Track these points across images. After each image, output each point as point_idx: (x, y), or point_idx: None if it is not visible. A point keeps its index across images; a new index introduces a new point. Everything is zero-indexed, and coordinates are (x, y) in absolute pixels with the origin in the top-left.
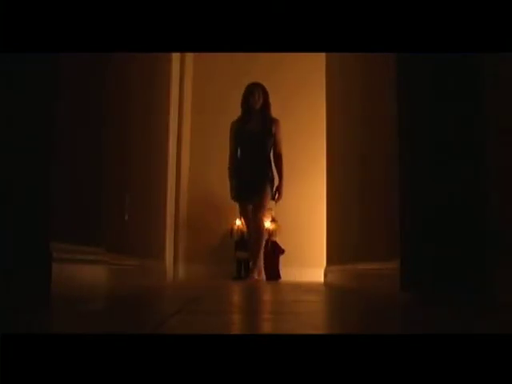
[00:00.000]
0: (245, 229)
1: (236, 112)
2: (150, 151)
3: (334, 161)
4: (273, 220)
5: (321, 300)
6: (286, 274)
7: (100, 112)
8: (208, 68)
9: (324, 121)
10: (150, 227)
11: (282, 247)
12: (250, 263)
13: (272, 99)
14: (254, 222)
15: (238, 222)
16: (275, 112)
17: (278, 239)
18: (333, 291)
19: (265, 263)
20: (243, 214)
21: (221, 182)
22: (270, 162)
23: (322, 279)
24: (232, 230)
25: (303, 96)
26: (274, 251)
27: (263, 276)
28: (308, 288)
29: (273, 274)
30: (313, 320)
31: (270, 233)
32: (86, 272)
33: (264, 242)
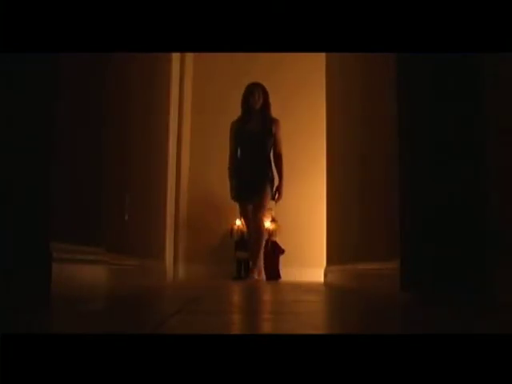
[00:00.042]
0: (245, 229)
1: (236, 112)
2: (150, 151)
3: (334, 161)
4: (273, 220)
5: (321, 300)
6: (286, 274)
7: (100, 112)
8: (208, 68)
9: (324, 121)
10: (149, 227)
11: (282, 247)
12: (250, 263)
13: (272, 99)
14: (253, 222)
15: (238, 222)
16: (275, 112)
17: (278, 239)
18: (333, 291)
19: (265, 263)
20: (243, 214)
21: (221, 182)
22: (270, 162)
23: (322, 279)
24: (232, 229)
25: (303, 96)
26: (274, 251)
27: (263, 276)
28: (308, 288)
29: (273, 273)
30: (313, 320)
31: (270, 233)
32: (86, 272)
33: (264, 242)
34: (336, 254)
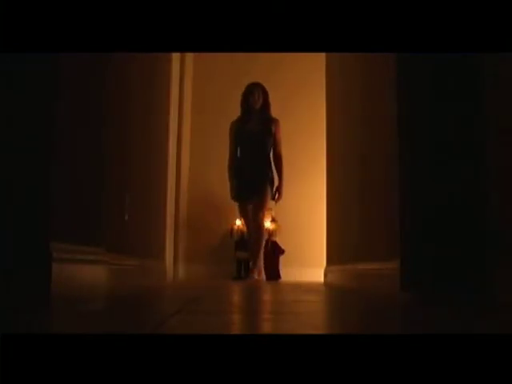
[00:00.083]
0: (245, 229)
1: (236, 112)
2: (150, 151)
3: (334, 161)
4: (273, 220)
5: (321, 300)
6: (286, 274)
7: (100, 112)
8: (208, 68)
9: (324, 121)
10: (149, 227)
11: (282, 247)
12: (250, 263)
13: (272, 99)
14: (253, 222)
15: (238, 222)
16: (275, 112)
17: (278, 239)
18: (333, 291)
19: (265, 263)
20: (243, 214)
21: (221, 182)
22: (270, 162)
23: (322, 279)
24: (232, 229)
25: (303, 96)
26: (274, 251)
27: (263, 276)
28: (308, 288)
29: (273, 274)
30: (313, 320)
31: (270, 233)
32: (86, 272)
33: (264, 242)
34: (336, 253)
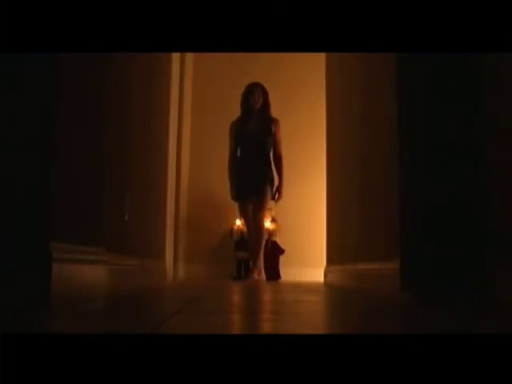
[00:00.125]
0: (245, 229)
1: (236, 112)
2: (150, 151)
3: (334, 161)
4: (273, 220)
5: (321, 300)
6: (286, 274)
7: (100, 112)
8: (208, 68)
9: (324, 121)
10: (150, 227)
11: (282, 247)
12: (250, 263)
13: (272, 99)
14: (254, 222)
15: (238, 222)
16: (275, 112)
17: (278, 239)
18: (333, 291)
19: (265, 263)
20: (243, 214)
21: (221, 182)
22: (270, 162)
23: (322, 279)
24: (232, 229)
25: (303, 96)
26: (274, 251)
27: (263, 276)
28: (308, 288)
29: (273, 273)
30: (313, 320)
31: (270, 233)
32: (86, 272)
33: (264, 242)
34: (336, 254)
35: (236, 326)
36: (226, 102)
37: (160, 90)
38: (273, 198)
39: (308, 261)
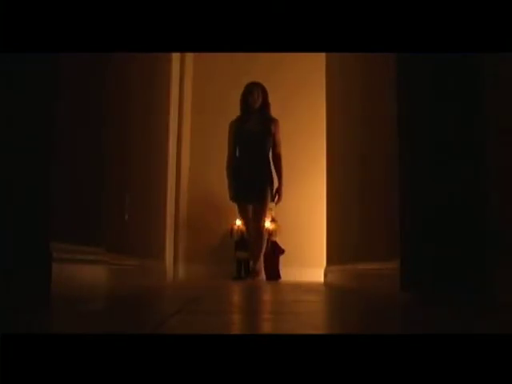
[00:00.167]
0: (245, 229)
1: (236, 112)
2: (150, 151)
3: (334, 161)
4: (273, 220)
5: (321, 300)
6: (286, 274)
7: (100, 112)
8: (208, 68)
9: (324, 121)
10: (150, 227)
11: (282, 247)
12: (250, 263)
13: (272, 99)
14: (254, 224)
15: (238, 222)
16: (275, 112)
17: (278, 239)
18: (333, 291)
19: (265, 263)
20: (242, 215)
21: (221, 182)
22: (269, 162)
23: (322, 279)
24: (232, 229)
25: (303, 96)
26: (274, 251)
27: (263, 276)
28: (308, 288)
29: (273, 273)
30: (313, 320)
31: (270, 233)
32: (86, 272)
33: (265, 244)
34: (336, 254)
35: (236, 325)
36: (226, 101)
37: (160, 89)
38: (272, 200)
39: (308, 261)
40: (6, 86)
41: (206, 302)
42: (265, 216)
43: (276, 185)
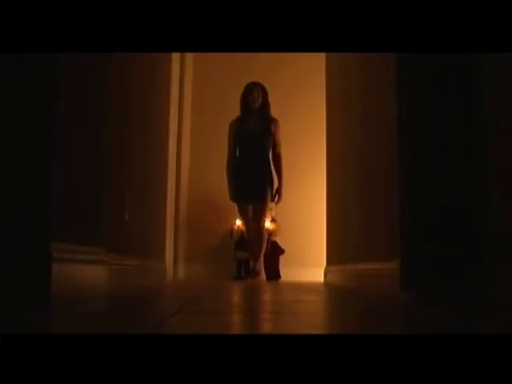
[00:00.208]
0: (245, 229)
1: (236, 112)
2: (150, 151)
3: (334, 161)
4: (273, 220)
5: (321, 300)
6: (286, 274)
7: (100, 112)
8: (208, 68)
9: (324, 121)
10: (150, 227)
11: (282, 247)
12: (250, 263)
13: (272, 99)
14: (254, 224)
15: (238, 222)
16: (275, 112)
17: (278, 239)
18: (333, 291)
19: (265, 263)
20: (242, 215)
21: (221, 182)
22: (269, 162)
23: (322, 279)
24: (232, 229)
25: (303, 96)
26: (274, 251)
27: (263, 276)
28: (308, 288)
29: (273, 273)
30: (313, 320)
31: (270, 233)
32: (86, 272)
33: (265, 244)
34: (336, 254)
35: (236, 326)
36: (226, 101)
37: (160, 89)
38: (272, 200)
39: (308, 261)
40: (6, 86)
41: (206, 302)
42: (265, 216)
43: (276, 185)
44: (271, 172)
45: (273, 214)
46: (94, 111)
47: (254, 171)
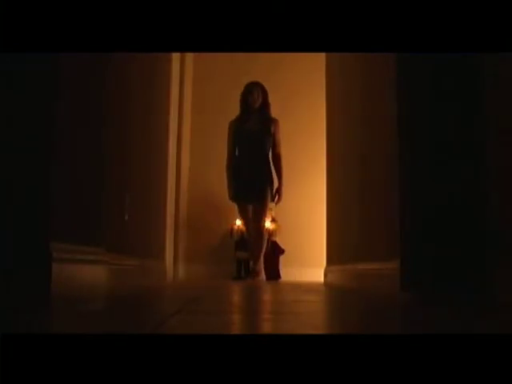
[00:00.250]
0: (245, 229)
1: (236, 112)
2: (150, 151)
3: (334, 161)
4: (273, 220)
5: (321, 300)
6: (286, 274)
7: (100, 112)
8: (208, 68)
9: (324, 121)
10: (150, 227)
11: (282, 247)
12: (251, 263)
13: (272, 99)
14: (254, 224)
15: (238, 222)
16: (275, 112)
17: (278, 239)
18: (333, 291)
19: (265, 263)
20: (242, 215)
21: (221, 182)
22: (269, 162)
23: (322, 279)
24: (232, 229)
25: (303, 96)
26: (274, 251)
27: (263, 276)
28: (308, 288)
29: (273, 273)
30: (313, 320)
31: (270, 233)
32: (86, 272)
33: (265, 244)
34: (336, 254)
35: (236, 326)
36: (226, 101)
37: (160, 89)
38: (272, 200)
39: (308, 261)
40: (6, 86)
41: (206, 302)
42: (265, 216)
43: (276, 185)
44: (271, 172)
45: (273, 214)
46: (93, 111)
47: (254, 171)
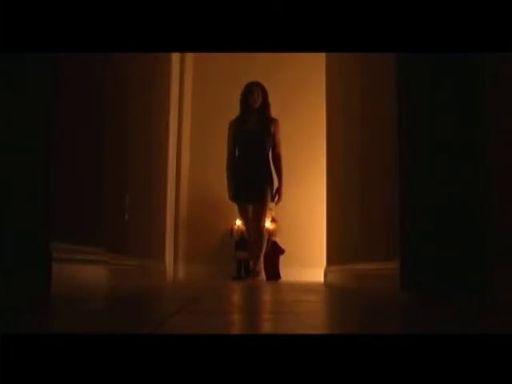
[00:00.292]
0: (244, 229)
1: (236, 112)
2: (150, 151)
3: (334, 161)
4: (273, 220)
5: (321, 300)
6: (286, 274)
7: (100, 112)
8: (208, 68)
9: (324, 121)
10: (150, 227)
11: (282, 247)
12: (251, 263)
13: (272, 99)
14: (254, 224)
15: (238, 222)
16: (275, 112)
17: (278, 239)
18: (333, 291)
19: (265, 263)
20: (242, 215)
21: (221, 182)
22: (269, 162)
23: (322, 279)
24: (232, 229)
25: (303, 96)
26: (274, 251)
27: (263, 276)
28: (308, 288)
29: (273, 273)
30: (313, 320)
31: (270, 233)
32: (86, 272)
33: (265, 244)
34: (336, 254)
35: (236, 326)
36: (226, 101)
37: (160, 89)
38: (272, 200)
39: (308, 261)
40: (6, 86)
41: (206, 302)
42: (265, 216)
43: (276, 185)
44: (271, 172)
45: (273, 214)
46: (93, 111)
47: (254, 171)
